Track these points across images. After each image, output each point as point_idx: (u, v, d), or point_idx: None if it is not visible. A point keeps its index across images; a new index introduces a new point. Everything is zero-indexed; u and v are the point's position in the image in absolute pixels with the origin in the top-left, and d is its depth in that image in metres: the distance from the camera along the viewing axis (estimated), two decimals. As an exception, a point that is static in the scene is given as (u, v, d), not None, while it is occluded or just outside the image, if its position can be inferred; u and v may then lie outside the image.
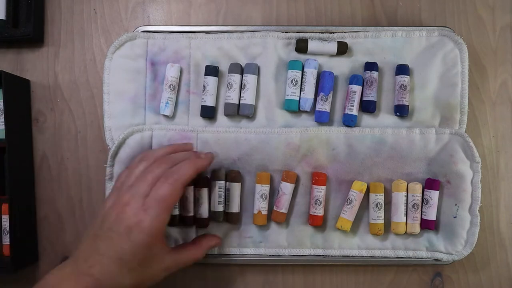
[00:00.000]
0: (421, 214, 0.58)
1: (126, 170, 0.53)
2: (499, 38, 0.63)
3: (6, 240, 0.58)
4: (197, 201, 0.57)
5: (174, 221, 0.57)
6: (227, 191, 0.58)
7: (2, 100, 0.58)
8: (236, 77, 0.58)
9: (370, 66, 0.58)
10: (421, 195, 0.58)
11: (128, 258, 0.47)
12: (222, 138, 0.58)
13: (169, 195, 0.48)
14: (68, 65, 0.63)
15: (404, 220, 0.58)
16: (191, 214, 0.58)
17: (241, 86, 0.59)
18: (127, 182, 0.51)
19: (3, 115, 0.58)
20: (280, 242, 0.59)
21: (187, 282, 0.61)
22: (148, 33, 0.60)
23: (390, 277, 0.61)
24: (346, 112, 0.58)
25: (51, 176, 0.62)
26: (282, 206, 0.58)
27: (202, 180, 0.58)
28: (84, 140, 0.62)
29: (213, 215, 0.58)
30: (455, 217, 0.57)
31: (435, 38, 0.59)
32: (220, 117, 0.59)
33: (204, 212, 0.58)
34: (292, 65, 0.58)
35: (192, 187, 0.57)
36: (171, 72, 0.58)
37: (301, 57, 0.59)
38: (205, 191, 0.57)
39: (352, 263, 0.60)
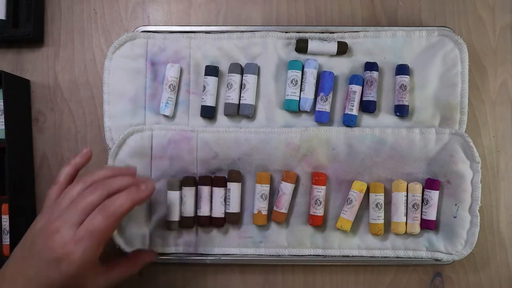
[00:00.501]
0: (421, 214, 0.58)
1: (55, 187, 0.50)
2: (499, 38, 0.63)
3: (6, 240, 0.58)
4: (216, 201, 0.58)
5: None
6: (227, 191, 0.58)
7: (2, 100, 0.58)
8: (236, 77, 0.58)
9: (370, 66, 0.58)
10: (421, 195, 0.58)
11: (58, 286, 0.45)
12: (222, 138, 0.58)
13: (103, 228, 0.45)
14: (68, 65, 0.63)
15: (404, 220, 0.58)
16: (207, 214, 0.58)
17: (241, 86, 0.59)
18: (60, 204, 0.48)
19: (3, 115, 0.58)
20: (280, 242, 0.59)
21: (187, 282, 0.61)
22: (148, 33, 0.60)
23: (390, 277, 0.61)
24: (346, 112, 0.58)
25: (51, 176, 0.62)
26: (282, 206, 0.58)
27: (220, 180, 0.58)
28: (84, 140, 0.62)
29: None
30: (455, 217, 0.57)
31: (435, 38, 0.59)
32: (220, 117, 0.59)
33: (219, 211, 0.58)
34: (292, 65, 0.58)
35: (208, 187, 0.58)
36: (171, 72, 0.58)
37: (301, 57, 0.59)
38: (221, 191, 0.58)
39: (352, 263, 0.60)
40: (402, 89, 0.58)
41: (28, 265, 0.46)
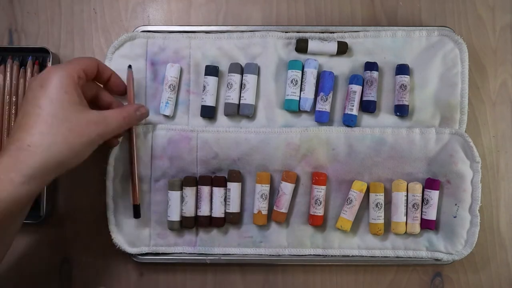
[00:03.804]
0: (421, 214, 0.58)
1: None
2: (499, 38, 0.63)
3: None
4: (216, 201, 0.58)
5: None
6: (227, 191, 0.58)
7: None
8: (236, 77, 0.58)
9: (370, 66, 0.58)
10: (421, 195, 0.58)
11: (48, 109, 0.46)
12: (222, 138, 0.58)
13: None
14: (68, 65, 0.63)
15: (404, 220, 0.58)
16: (207, 214, 0.58)
17: (241, 86, 0.59)
18: None
19: None
20: (280, 242, 0.59)
21: (187, 282, 0.61)
22: (148, 33, 0.60)
23: (390, 277, 0.61)
24: (346, 112, 0.58)
25: (51, 176, 0.62)
26: (282, 206, 0.58)
27: (220, 180, 0.58)
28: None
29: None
30: (455, 217, 0.57)
31: (435, 38, 0.59)
32: (220, 117, 0.59)
33: (220, 211, 0.58)
34: (292, 65, 0.58)
35: (208, 187, 0.58)
36: (171, 72, 0.58)
37: (301, 57, 0.59)
38: (221, 191, 0.58)
39: (352, 263, 0.60)
40: (402, 89, 0.58)
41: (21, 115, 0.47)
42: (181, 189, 0.58)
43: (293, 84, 0.58)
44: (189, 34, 0.60)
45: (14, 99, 0.59)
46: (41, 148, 0.45)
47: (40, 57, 0.61)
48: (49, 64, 0.60)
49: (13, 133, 0.46)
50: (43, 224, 0.61)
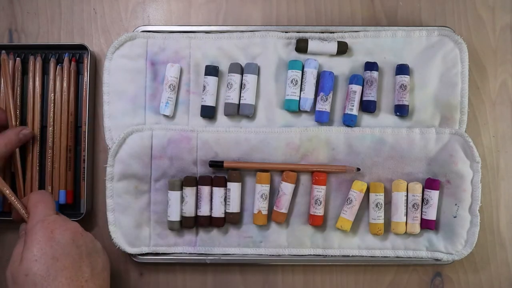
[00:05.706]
0: (421, 214, 0.58)
1: None
2: (499, 38, 0.63)
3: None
4: (216, 201, 0.58)
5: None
6: (227, 191, 0.58)
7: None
8: (236, 77, 0.58)
9: (370, 66, 0.58)
10: (421, 195, 0.58)
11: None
12: (222, 138, 0.58)
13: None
14: (68, 65, 0.63)
15: (404, 220, 0.58)
16: (208, 214, 0.58)
17: (241, 86, 0.59)
18: None
19: None
20: (280, 242, 0.59)
21: (187, 282, 0.61)
22: (148, 33, 0.60)
23: (390, 277, 0.61)
24: (346, 112, 0.58)
25: (51, 176, 0.62)
26: (282, 206, 0.58)
27: (220, 180, 0.58)
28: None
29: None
30: (455, 217, 0.57)
31: (435, 38, 0.59)
32: (220, 117, 0.59)
33: (220, 211, 0.58)
34: (292, 65, 0.58)
35: (208, 187, 0.58)
36: (171, 72, 0.58)
37: (301, 57, 0.59)
38: (221, 191, 0.58)
39: (352, 263, 0.60)
40: (402, 89, 0.58)
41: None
42: (181, 189, 0.58)
43: (293, 84, 0.58)
44: (189, 34, 0.60)
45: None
46: None
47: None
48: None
49: None
50: (43, 224, 0.61)
